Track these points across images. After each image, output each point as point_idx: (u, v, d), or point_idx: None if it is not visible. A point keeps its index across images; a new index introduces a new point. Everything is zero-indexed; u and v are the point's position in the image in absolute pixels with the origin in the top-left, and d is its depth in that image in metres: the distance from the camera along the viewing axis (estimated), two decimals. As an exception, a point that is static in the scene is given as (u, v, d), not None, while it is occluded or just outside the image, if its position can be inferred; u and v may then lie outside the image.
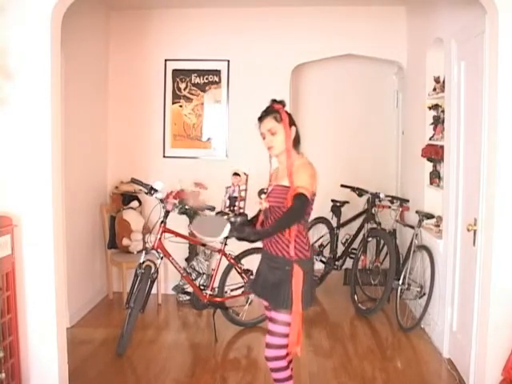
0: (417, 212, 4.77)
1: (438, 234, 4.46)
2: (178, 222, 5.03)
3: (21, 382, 3.20)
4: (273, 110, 2.81)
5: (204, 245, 4.79)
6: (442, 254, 4.27)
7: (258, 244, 4.64)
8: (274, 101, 2.86)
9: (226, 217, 2.90)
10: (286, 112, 2.83)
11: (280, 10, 5.47)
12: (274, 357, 2.77)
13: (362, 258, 5.33)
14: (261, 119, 2.82)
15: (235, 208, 4.65)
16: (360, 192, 5.46)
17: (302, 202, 2.62)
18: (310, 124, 6.30)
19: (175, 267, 4.50)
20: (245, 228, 2.62)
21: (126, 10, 5.57)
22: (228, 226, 2.64)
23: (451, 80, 4.02)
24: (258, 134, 2.86)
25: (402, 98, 5.98)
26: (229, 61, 5.57)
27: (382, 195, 5.30)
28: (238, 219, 4.62)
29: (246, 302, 4.75)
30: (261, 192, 2.94)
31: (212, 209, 4.76)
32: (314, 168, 2.78)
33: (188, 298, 5.06)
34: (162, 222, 4.39)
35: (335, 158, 6.35)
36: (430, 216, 4.64)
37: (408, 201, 5.22)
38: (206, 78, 5.63)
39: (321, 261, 5.82)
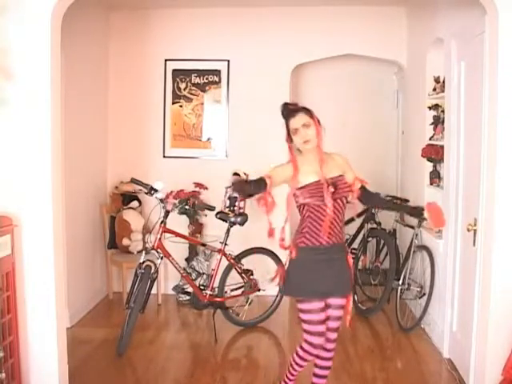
0: (417, 212, 4.76)
1: (438, 234, 4.46)
2: (178, 222, 5.03)
3: (21, 381, 3.20)
4: (301, 107, 2.83)
5: (204, 245, 4.79)
6: (441, 254, 4.27)
7: (258, 244, 4.66)
8: (288, 103, 2.89)
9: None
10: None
11: (280, 10, 5.47)
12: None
13: (362, 257, 5.33)
14: (293, 115, 2.80)
15: (235, 208, 4.67)
16: (360, 192, 5.44)
17: None
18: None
19: (175, 267, 4.51)
20: None
21: (126, 10, 5.56)
22: None
23: (451, 80, 4.02)
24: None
25: (402, 98, 5.98)
26: (229, 61, 5.57)
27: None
28: (239, 219, 4.63)
29: (246, 301, 4.75)
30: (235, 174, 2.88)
31: (212, 209, 4.76)
32: None
33: (188, 297, 5.06)
34: (161, 222, 4.39)
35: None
36: (430, 216, 4.63)
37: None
38: (206, 78, 5.63)
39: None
